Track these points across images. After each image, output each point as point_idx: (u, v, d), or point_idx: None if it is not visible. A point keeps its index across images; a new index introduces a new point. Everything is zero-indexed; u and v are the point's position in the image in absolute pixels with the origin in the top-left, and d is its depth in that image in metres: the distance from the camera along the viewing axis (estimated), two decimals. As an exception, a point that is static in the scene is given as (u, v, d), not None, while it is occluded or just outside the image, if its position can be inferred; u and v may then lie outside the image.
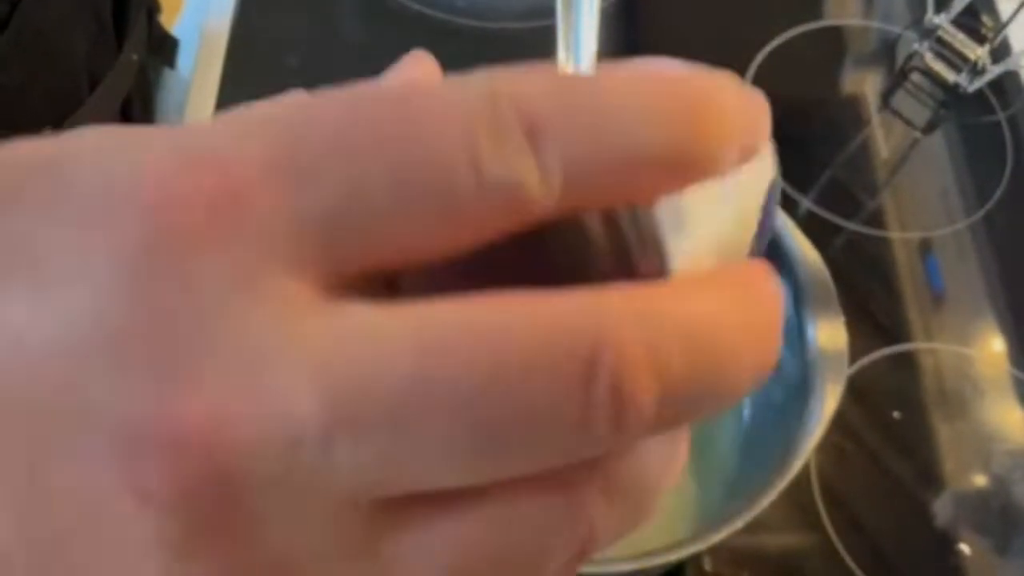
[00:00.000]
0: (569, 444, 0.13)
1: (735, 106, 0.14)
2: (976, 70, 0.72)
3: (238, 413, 0.12)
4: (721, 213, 0.15)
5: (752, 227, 0.16)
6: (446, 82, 0.14)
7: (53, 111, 0.47)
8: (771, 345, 0.14)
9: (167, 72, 0.66)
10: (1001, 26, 0.72)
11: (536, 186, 0.13)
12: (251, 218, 0.13)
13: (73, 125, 0.47)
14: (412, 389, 0.13)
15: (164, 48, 0.62)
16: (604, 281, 0.14)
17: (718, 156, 0.14)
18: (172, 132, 0.14)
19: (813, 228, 0.50)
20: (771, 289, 0.14)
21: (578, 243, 0.14)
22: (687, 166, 0.14)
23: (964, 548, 0.55)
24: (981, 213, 0.68)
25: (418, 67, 0.18)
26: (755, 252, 0.16)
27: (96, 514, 0.13)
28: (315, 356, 0.13)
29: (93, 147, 0.14)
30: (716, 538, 0.40)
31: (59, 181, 0.13)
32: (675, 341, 0.13)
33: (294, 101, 0.14)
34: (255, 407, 0.12)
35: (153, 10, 0.59)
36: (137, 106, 0.56)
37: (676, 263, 0.14)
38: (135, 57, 0.54)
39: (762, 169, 0.16)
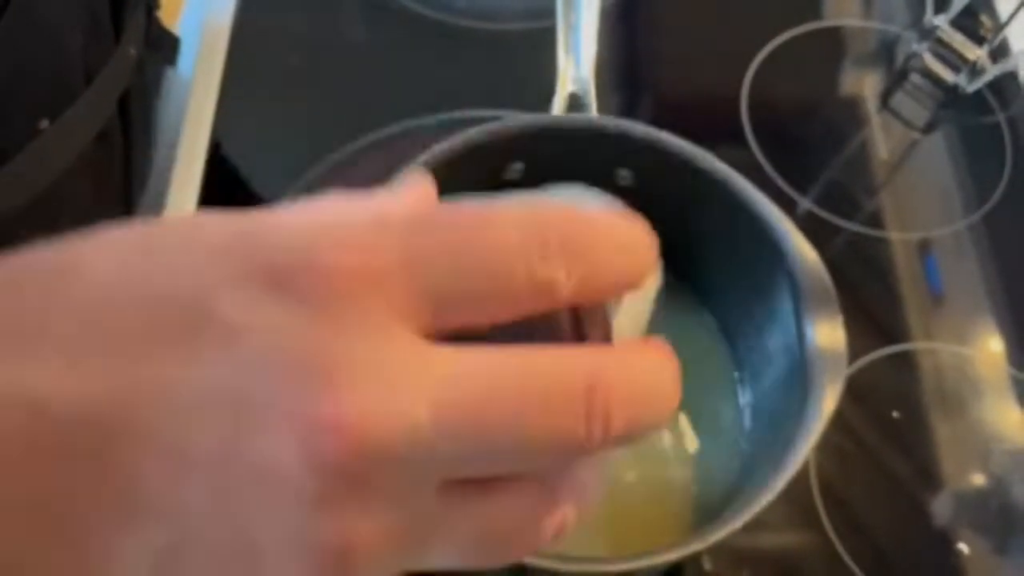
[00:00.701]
0: (575, 450, 0.20)
1: (653, 247, 0.23)
2: (975, 71, 0.72)
3: (380, 417, 0.19)
4: (636, 304, 0.25)
5: (649, 312, 0.26)
6: (514, 210, 0.21)
7: (48, 104, 0.47)
8: (677, 390, 0.22)
9: (168, 71, 0.66)
10: (1000, 26, 0.73)
11: (564, 287, 0.21)
12: (387, 289, 0.20)
13: (69, 119, 0.47)
14: (486, 412, 0.19)
15: (164, 45, 0.62)
16: (567, 334, 0.23)
17: (643, 282, 0.23)
18: (337, 223, 0.20)
19: (812, 228, 0.50)
20: (674, 357, 0.22)
21: (551, 315, 0.22)
22: (631, 286, 0.22)
23: (963, 548, 0.55)
24: (980, 213, 0.68)
25: (418, 188, 0.25)
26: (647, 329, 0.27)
27: (274, 476, 0.18)
28: (428, 383, 0.19)
29: (288, 224, 0.20)
30: (716, 538, 0.41)
31: (259, 251, 0.20)
32: (634, 385, 0.21)
33: (415, 212, 0.22)
34: (392, 414, 0.19)
35: (152, 6, 0.59)
36: (135, 102, 0.56)
37: (614, 335, 0.23)
38: (133, 51, 0.54)
39: (654, 278, 0.26)
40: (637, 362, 0.21)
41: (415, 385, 0.19)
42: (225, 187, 0.65)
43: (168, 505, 0.18)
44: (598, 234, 0.21)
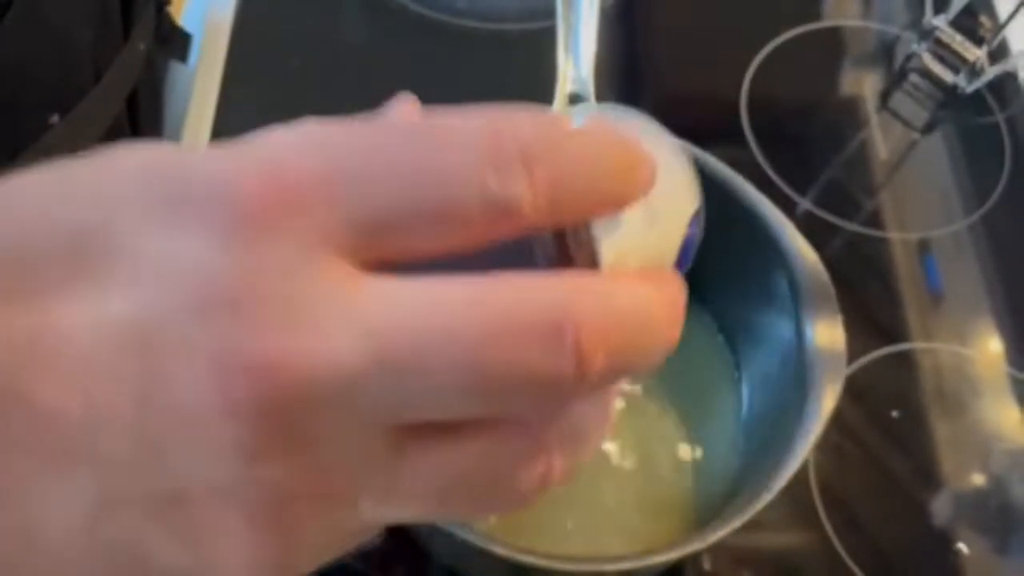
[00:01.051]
0: (543, 390, 0.18)
1: (648, 160, 0.20)
2: (974, 71, 0.72)
3: (305, 353, 0.17)
4: (646, 231, 0.21)
5: (676, 245, 0.22)
6: (460, 117, 0.18)
7: (57, 99, 0.46)
8: (674, 326, 0.19)
9: (173, 65, 0.66)
10: (999, 27, 0.73)
11: (529, 204, 0.18)
12: (313, 215, 0.17)
13: (80, 114, 0.47)
14: (431, 344, 0.17)
15: (175, 41, 0.62)
16: (548, 264, 0.20)
17: (635, 194, 0.20)
18: (255, 146, 0.18)
19: (812, 228, 0.50)
20: (676, 287, 0.20)
21: (530, 237, 0.20)
22: (619, 200, 0.20)
23: (962, 547, 0.55)
24: (979, 213, 0.68)
25: (407, 106, 0.23)
26: (680, 263, 0.22)
27: (193, 422, 0.17)
28: (360, 314, 0.17)
29: (208, 151, 0.18)
30: (716, 537, 0.41)
31: (171, 179, 0.18)
32: (613, 317, 0.18)
33: (348, 127, 0.19)
34: (317, 350, 0.17)
35: (162, 1, 0.59)
36: (144, 98, 0.56)
37: (604, 260, 0.20)
38: (142, 47, 0.54)
39: (685, 201, 0.23)
40: (620, 292, 0.19)
41: (344, 318, 0.17)
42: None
43: (91, 452, 0.17)
44: (568, 138, 0.19)
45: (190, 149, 0.19)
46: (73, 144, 0.47)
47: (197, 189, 0.18)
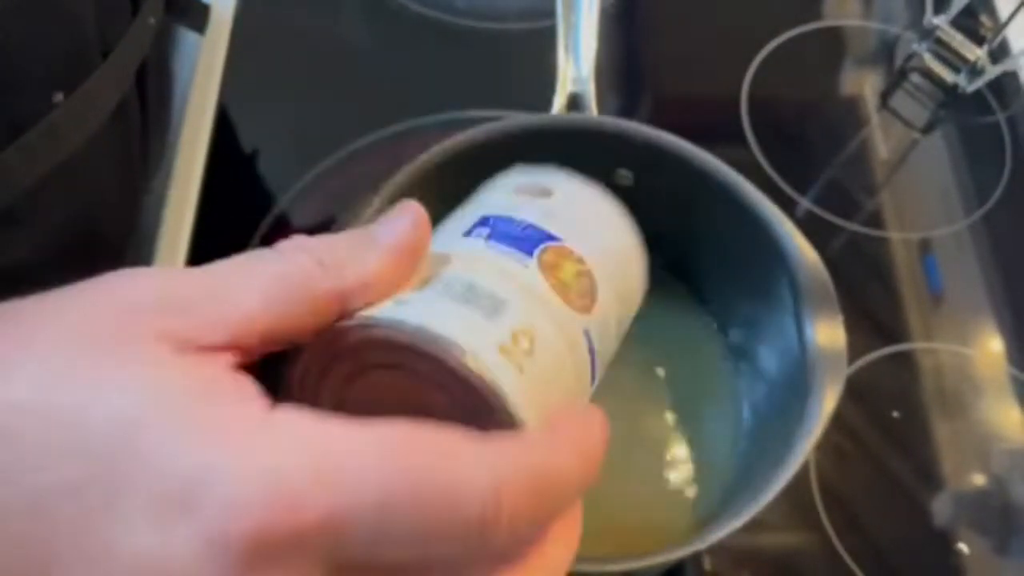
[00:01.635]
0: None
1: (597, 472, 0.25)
2: (975, 71, 0.72)
3: None
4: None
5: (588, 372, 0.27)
6: (466, 471, 0.21)
7: (62, 76, 0.45)
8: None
9: (176, 47, 0.65)
10: (1000, 27, 0.73)
11: (501, 546, 0.22)
12: (314, 551, 0.20)
13: (85, 92, 0.45)
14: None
15: (191, 13, 0.60)
16: (469, 421, 0.23)
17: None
18: (272, 462, 0.20)
19: (812, 228, 0.50)
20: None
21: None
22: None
23: (963, 548, 0.55)
24: (980, 213, 0.68)
25: (408, 215, 0.26)
26: (592, 378, 0.28)
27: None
28: None
29: (220, 466, 0.20)
30: (716, 538, 0.40)
31: (188, 483, 0.20)
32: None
33: (350, 464, 0.21)
34: None
35: None
36: (153, 75, 0.54)
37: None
38: (152, 21, 0.52)
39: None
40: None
41: None
42: (227, 183, 0.65)
43: None
44: (554, 502, 0.23)
45: (218, 459, 0.20)
46: (79, 122, 0.46)
47: (211, 500, 0.20)
